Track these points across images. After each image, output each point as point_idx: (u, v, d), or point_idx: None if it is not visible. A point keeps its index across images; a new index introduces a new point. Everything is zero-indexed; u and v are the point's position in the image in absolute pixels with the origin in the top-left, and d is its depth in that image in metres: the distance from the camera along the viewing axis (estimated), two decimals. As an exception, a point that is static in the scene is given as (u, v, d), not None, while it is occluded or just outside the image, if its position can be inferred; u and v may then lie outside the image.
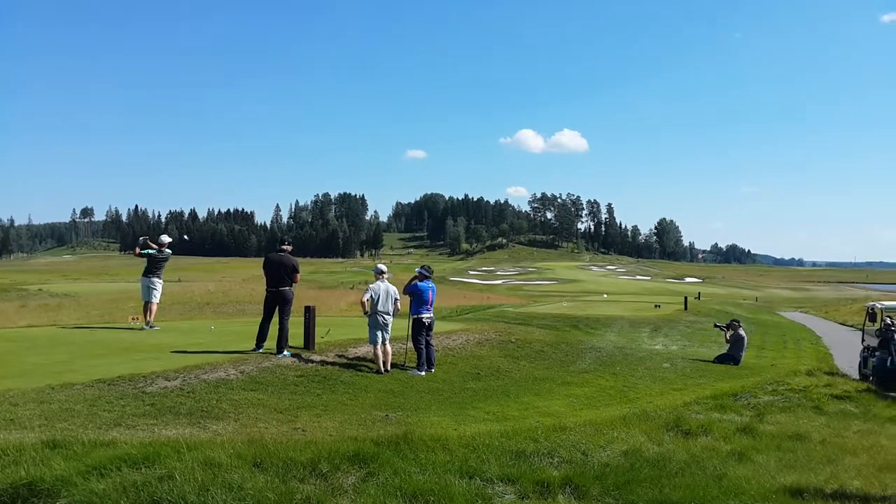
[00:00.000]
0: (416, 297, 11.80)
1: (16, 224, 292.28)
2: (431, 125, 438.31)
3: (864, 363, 16.62)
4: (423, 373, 11.45)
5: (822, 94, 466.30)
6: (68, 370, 9.18)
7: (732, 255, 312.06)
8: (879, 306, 17.69)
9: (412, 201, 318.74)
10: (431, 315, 12.13)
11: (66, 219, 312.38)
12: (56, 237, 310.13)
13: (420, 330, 11.72)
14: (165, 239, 14.73)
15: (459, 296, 56.14)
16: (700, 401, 10.58)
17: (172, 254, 15.13)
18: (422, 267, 12.42)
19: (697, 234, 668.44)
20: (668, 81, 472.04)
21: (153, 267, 14.30)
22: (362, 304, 11.44)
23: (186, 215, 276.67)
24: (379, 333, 11.24)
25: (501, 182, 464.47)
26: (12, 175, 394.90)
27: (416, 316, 11.75)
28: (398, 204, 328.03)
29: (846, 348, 22.81)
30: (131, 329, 14.46)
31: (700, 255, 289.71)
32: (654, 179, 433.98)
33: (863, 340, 18.08)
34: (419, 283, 11.92)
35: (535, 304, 43.29)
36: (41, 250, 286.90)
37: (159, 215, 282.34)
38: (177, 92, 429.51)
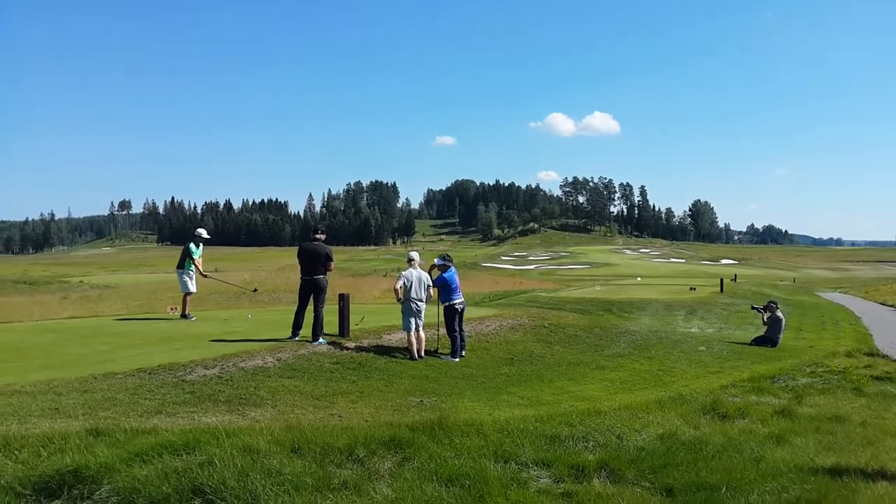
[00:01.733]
0: (446, 287, 11.83)
1: (56, 218, 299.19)
2: (460, 111, 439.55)
3: (906, 343, 16.28)
4: (457, 359, 11.49)
5: (857, 74, 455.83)
6: (109, 360, 9.40)
7: (769, 236, 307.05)
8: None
9: (443, 188, 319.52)
10: (463, 301, 12.15)
11: (105, 212, 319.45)
12: (95, 230, 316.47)
13: (453, 317, 11.76)
14: (204, 233, 15.04)
15: (492, 281, 56.05)
16: (737, 384, 10.46)
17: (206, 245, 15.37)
18: (441, 257, 12.32)
19: (733, 215, 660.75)
20: (700, 64, 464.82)
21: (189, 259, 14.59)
22: (395, 291, 11.49)
23: (221, 206, 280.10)
24: (412, 320, 11.29)
25: (532, 167, 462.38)
26: (53, 169, 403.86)
27: (448, 303, 11.78)
28: (429, 191, 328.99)
29: (886, 328, 22.38)
30: (169, 319, 14.72)
31: (736, 237, 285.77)
32: (688, 161, 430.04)
33: None
34: (445, 275, 11.95)
35: (567, 289, 43.08)
36: (81, 243, 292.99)
37: (195, 206, 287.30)
38: (212, 82, 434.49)
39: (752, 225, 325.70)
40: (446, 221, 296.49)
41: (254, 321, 14.41)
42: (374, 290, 36.13)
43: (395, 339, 12.08)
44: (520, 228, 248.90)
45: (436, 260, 12.26)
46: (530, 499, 4.43)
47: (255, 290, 13.92)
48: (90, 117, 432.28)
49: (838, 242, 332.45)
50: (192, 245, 14.53)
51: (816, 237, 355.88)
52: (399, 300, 11.45)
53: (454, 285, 11.93)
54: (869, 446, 6.62)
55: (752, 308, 20.73)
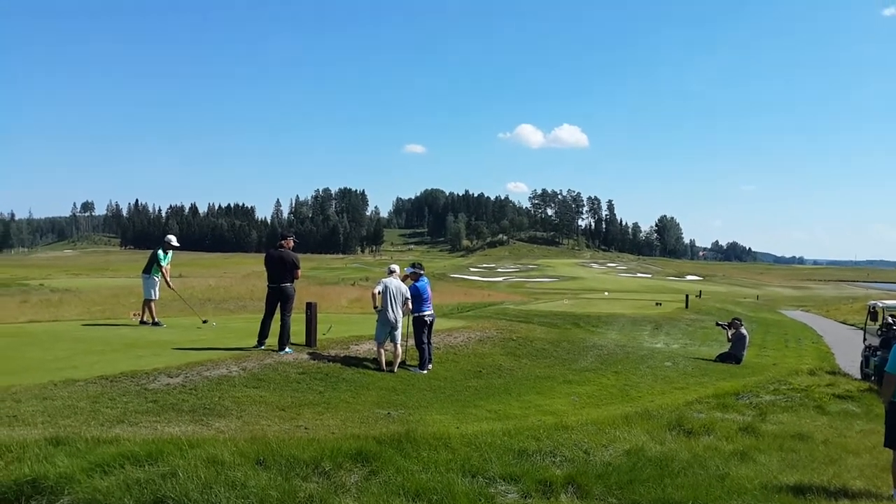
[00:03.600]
0: (417, 297, 11.76)
1: (16, 218, 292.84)
2: (430, 120, 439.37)
3: (865, 362, 16.61)
4: (425, 371, 11.44)
5: (821, 91, 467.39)
6: (70, 366, 9.18)
7: (733, 253, 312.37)
8: (881, 305, 17.69)
9: (413, 196, 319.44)
10: (432, 313, 12.11)
11: (67, 213, 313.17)
12: (57, 231, 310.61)
13: (422, 328, 11.70)
14: (174, 241, 14.77)
15: (460, 293, 56.10)
16: (702, 400, 10.58)
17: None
18: (412, 265, 12.24)
19: (698, 231, 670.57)
20: (667, 77, 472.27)
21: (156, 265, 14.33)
22: (373, 296, 11.35)
23: (187, 210, 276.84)
24: (386, 331, 11.21)
25: (502, 177, 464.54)
26: (13, 169, 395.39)
27: (417, 314, 11.71)
28: (398, 199, 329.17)
29: (848, 347, 22.81)
30: (132, 325, 14.46)
31: (701, 253, 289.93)
32: (655, 176, 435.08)
33: (864, 339, 18.08)
34: (417, 284, 11.89)
35: (536, 302, 43.29)
36: (42, 245, 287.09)
37: (160, 210, 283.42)
38: (177, 86, 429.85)
39: (717, 242, 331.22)
40: (415, 231, 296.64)
41: (219, 329, 14.20)
42: (342, 300, 35.97)
43: (364, 349, 12.00)
44: (489, 240, 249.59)
45: (406, 269, 12.19)
46: (498, 514, 4.41)
47: (205, 322, 13.76)
48: (53, 115, 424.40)
49: (800, 261, 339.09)
50: (160, 251, 14.27)
51: (779, 255, 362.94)
52: (376, 308, 11.32)
53: (425, 296, 11.87)
54: (831, 464, 6.74)
55: (717, 324, 21.04)
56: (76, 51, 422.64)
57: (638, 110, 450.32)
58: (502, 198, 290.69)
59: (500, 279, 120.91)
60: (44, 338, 12.27)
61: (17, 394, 7.34)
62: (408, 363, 11.76)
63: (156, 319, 14.35)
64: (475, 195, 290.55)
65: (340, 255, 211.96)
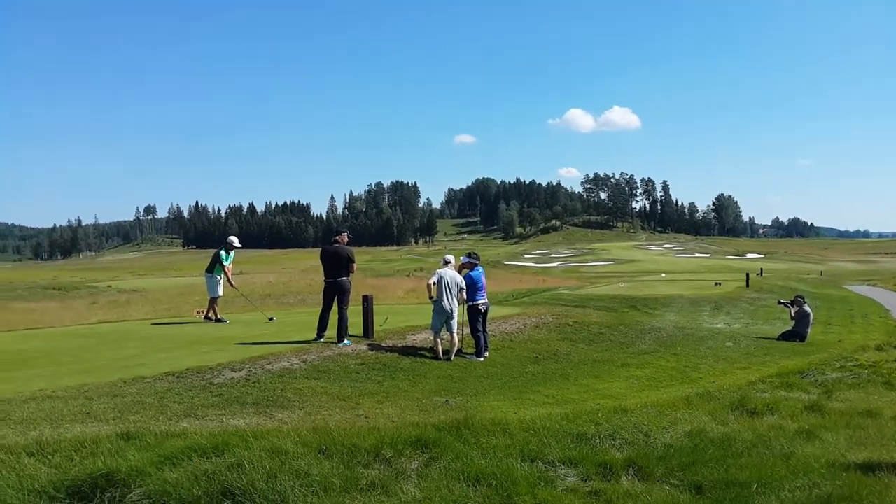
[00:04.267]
0: (471, 286, 11.79)
1: (83, 224, 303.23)
2: (479, 110, 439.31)
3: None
4: (482, 359, 11.48)
5: (881, 63, 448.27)
6: (139, 364, 9.52)
7: (795, 229, 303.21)
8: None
9: (464, 187, 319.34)
10: (487, 301, 12.13)
11: (131, 217, 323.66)
12: (122, 235, 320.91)
13: (476, 317, 11.74)
14: (236, 242, 15.09)
15: (514, 280, 55.89)
16: (765, 379, 10.35)
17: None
18: (468, 255, 12.28)
19: (757, 209, 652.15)
20: (720, 54, 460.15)
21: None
22: (428, 287, 11.46)
23: (245, 209, 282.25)
24: (442, 320, 11.29)
25: (553, 164, 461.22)
26: (79, 178, 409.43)
27: (472, 303, 11.76)
28: (450, 190, 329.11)
29: (918, 321, 21.98)
30: (196, 322, 14.87)
31: (761, 230, 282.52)
32: (711, 154, 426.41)
33: None
34: (471, 273, 11.92)
35: (591, 286, 42.81)
36: (108, 248, 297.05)
37: (219, 210, 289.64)
38: (234, 86, 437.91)
39: (777, 218, 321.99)
40: (468, 220, 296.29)
41: (279, 323, 14.51)
42: (398, 291, 36.20)
43: (420, 339, 12.11)
44: (541, 226, 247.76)
45: (462, 258, 12.24)
46: (558, 497, 4.41)
47: (272, 319, 14.10)
48: (114, 123, 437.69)
49: (865, 234, 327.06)
50: (223, 252, 14.63)
51: (843, 229, 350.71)
52: (431, 298, 11.43)
53: (479, 285, 11.90)
54: (901, 441, 6.52)
55: (779, 303, 20.48)
56: (134, 56, 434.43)
57: (689, 89, 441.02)
58: (554, 184, 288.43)
59: (555, 265, 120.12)
60: (113, 337, 12.73)
61: (90, 392, 7.64)
62: (464, 351, 11.82)
63: (219, 316, 14.76)
64: (526, 182, 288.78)
65: (395, 248, 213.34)
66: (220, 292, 14.75)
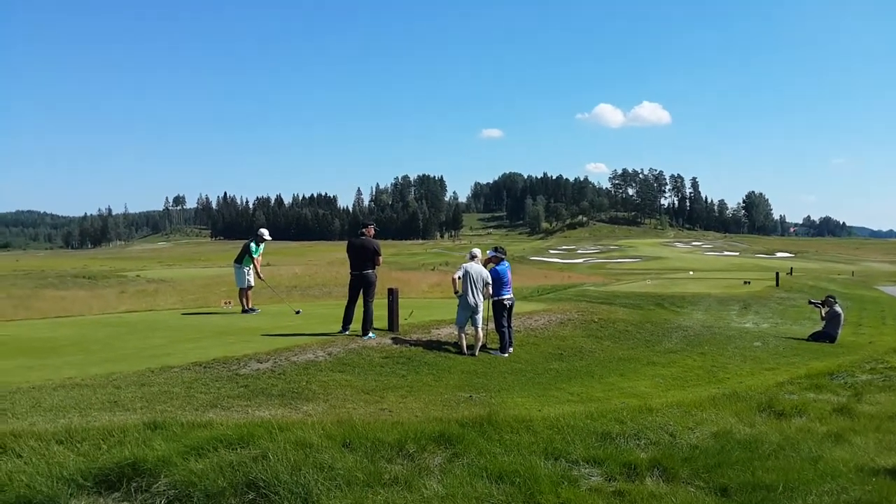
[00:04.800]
0: (496, 281, 11.76)
1: (113, 213, 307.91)
2: (507, 104, 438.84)
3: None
4: (506, 354, 11.45)
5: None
6: (166, 353, 9.64)
7: (826, 228, 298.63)
8: None
9: (490, 181, 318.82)
10: (512, 297, 12.09)
11: (160, 207, 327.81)
12: (151, 225, 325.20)
13: (501, 312, 11.71)
14: (266, 234, 15.24)
15: (540, 275, 55.77)
16: (794, 380, 10.19)
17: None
18: (495, 249, 12.23)
19: (788, 207, 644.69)
20: (753, 51, 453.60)
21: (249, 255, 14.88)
22: (453, 281, 11.47)
23: (273, 201, 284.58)
24: (467, 315, 11.28)
25: (580, 159, 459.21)
26: (109, 167, 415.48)
27: (497, 298, 11.73)
28: (476, 184, 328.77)
29: (953, 324, 21.52)
30: (224, 313, 15.02)
31: (792, 229, 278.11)
32: (741, 151, 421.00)
33: None
34: (497, 268, 11.88)
35: (617, 283, 42.52)
36: (137, 238, 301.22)
37: (247, 201, 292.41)
38: (263, 78, 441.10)
39: (809, 217, 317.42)
40: (494, 215, 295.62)
41: (304, 315, 14.60)
42: (423, 284, 36.29)
43: (444, 333, 12.11)
44: (568, 221, 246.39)
45: (488, 252, 12.22)
46: (581, 497, 4.38)
47: (298, 312, 14.21)
48: (145, 114, 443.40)
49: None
50: (252, 244, 14.78)
51: (875, 229, 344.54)
52: (456, 292, 11.42)
53: (505, 279, 11.86)
54: (933, 447, 6.38)
55: (810, 303, 20.17)
56: (160, 49, 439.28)
57: (721, 85, 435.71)
58: (581, 179, 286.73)
59: (581, 261, 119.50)
60: (141, 327, 12.90)
61: (118, 380, 7.75)
62: (489, 346, 11.80)
63: (250, 306, 14.94)
64: (553, 177, 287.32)
65: (420, 241, 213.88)
66: (250, 283, 14.88)
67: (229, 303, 15.90)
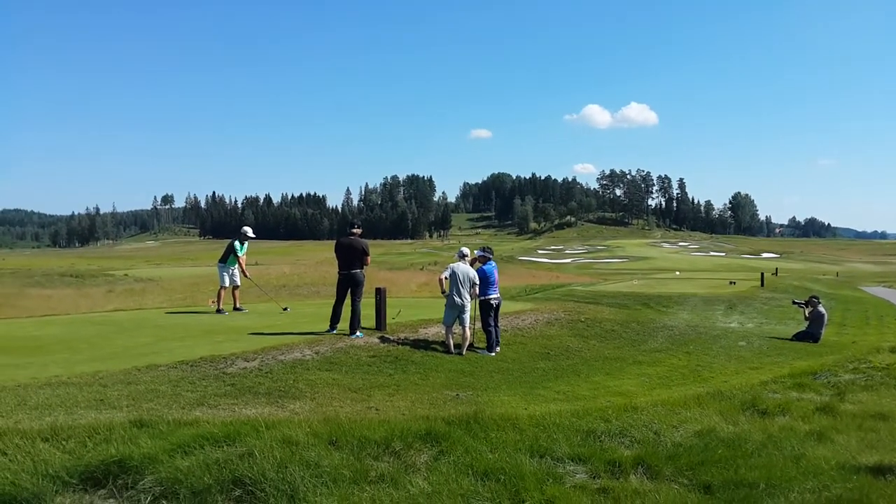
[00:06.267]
0: (483, 281, 11.80)
1: (101, 212, 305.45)
2: (495, 104, 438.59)
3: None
4: (493, 353, 11.49)
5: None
6: (153, 352, 9.61)
7: (811, 229, 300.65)
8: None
9: (479, 181, 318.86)
10: (499, 296, 12.13)
11: (148, 206, 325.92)
12: (139, 224, 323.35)
13: (488, 311, 11.75)
14: (250, 232, 15.21)
15: (528, 275, 55.90)
16: (777, 380, 10.28)
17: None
18: (482, 249, 12.29)
19: (774, 208, 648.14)
20: (740, 51, 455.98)
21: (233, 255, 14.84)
22: (440, 281, 11.51)
23: (262, 200, 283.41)
24: (454, 315, 11.31)
25: (569, 159, 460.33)
26: (97, 166, 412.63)
27: (483, 298, 11.77)
28: (465, 184, 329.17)
29: (935, 324, 21.74)
30: (210, 312, 14.97)
31: (777, 230, 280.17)
32: (728, 152, 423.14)
33: None
34: (485, 267, 11.93)
35: (604, 283, 42.69)
36: (125, 237, 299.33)
37: (236, 201, 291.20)
38: (249, 78, 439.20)
39: (794, 218, 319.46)
40: (482, 215, 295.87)
41: (292, 314, 14.58)
42: (411, 284, 36.30)
43: (432, 332, 12.13)
44: (556, 222, 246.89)
45: (476, 251, 12.26)
46: (566, 494, 4.42)
47: (286, 310, 14.20)
48: (132, 113, 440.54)
49: (883, 235, 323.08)
50: (236, 242, 14.74)
51: (860, 230, 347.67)
52: (443, 292, 11.46)
53: (492, 279, 11.90)
54: (914, 445, 6.46)
55: (794, 303, 20.35)
56: (149, 45, 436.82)
57: (709, 86, 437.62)
58: (569, 179, 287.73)
59: (569, 261, 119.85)
60: (128, 325, 12.85)
61: (104, 379, 7.73)
62: (476, 346, 11.84)
63: (238, 305, 14.93)
64: (542, 178, 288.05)
65: (409, 241, 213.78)
66: (231, 282, 14.80)
67: (215, 302, 15.85)
